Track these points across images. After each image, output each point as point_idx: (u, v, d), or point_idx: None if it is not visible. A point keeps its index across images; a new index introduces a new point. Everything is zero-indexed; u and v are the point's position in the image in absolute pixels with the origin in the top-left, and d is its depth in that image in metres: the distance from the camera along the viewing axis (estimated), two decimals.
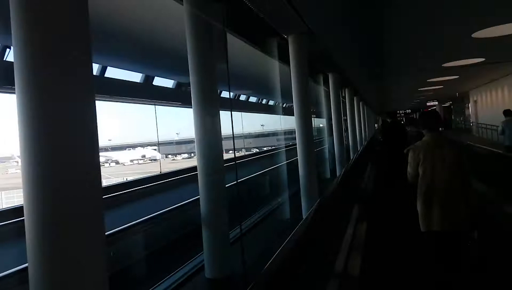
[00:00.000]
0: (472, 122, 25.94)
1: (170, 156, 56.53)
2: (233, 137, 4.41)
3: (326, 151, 12.45)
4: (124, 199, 10.26)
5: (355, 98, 15.60)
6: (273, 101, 18.63)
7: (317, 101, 12.08)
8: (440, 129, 3.85)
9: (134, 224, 6.10)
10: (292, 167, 7.64)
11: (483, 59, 11.29)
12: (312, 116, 7.41)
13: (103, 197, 1.74)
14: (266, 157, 19.40)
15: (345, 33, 6.92)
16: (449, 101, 33.59)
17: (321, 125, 15.93)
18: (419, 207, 3.55)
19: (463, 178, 3.42)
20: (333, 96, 10.25)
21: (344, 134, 11.29)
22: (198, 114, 4.08)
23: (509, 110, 9.79)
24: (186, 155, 52.97)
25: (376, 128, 40.17)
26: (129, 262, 5.40)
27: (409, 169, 3.65)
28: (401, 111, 40.21)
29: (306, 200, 5.71)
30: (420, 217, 3.52)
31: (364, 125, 21.45)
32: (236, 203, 4.62)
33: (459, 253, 3.43)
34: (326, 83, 10.70)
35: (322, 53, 7.32)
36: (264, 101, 19.44)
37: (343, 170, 7.71)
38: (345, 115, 13.50)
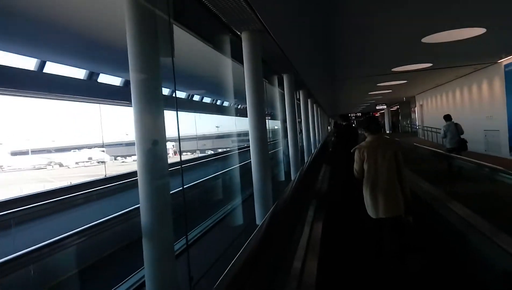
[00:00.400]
0: (418, 125, 27.05)
1: (119, 158, 54.57)
2: (179, 139, 3.99)
3: (281, 153, 12.25)
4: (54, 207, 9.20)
5: (309, 100, 15.61)
6: (227, 102, 17.86)
7: (271, 102, 11.90)
8: (381, 131, 4.61)
9: (66, 236, 5.31)
10: (246, 170, 7.32)
11: (431, 64, 11.63)
12: (267, 117, 7.28)
13: None
14: (220, 160, 18.59)
15: (299, 34, 6.83)
16: (397, 105, 34.90)
17: (276, 127, 15.85)
18: (366, 199, 4.26)
19: (398, 171, 4.17)
20: (288, 98, 10.08)
21: (298, 136, 11.27)
22: (139, 113, 3.55)
23: (448, 115, 10.55)
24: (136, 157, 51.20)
25: (329, 130, 40.95)
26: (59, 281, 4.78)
27: (355, 166, 4.29)
28: (352, 114, 41.27)
29: (260, 205, 5.57)
30: (368, 207, 4.26)
31: (318, 127, 21.64)
32: (183, 211, 4.11)
33: (401, 232, 4.30)
34: (281, 84, 10.62)
35: (276, 53, 7.25)
36: (218, 102, 18.85)
37: (297, 173, 7.61)
38: (300, 117, 13.42)
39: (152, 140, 3.60)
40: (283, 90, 10.33)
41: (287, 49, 7.41)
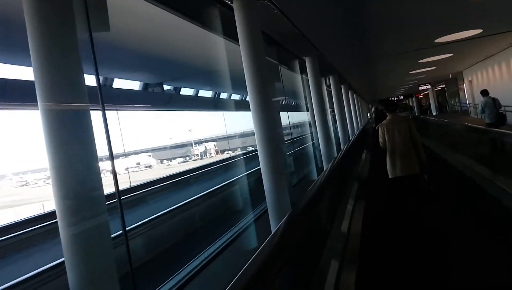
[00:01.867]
0: (468, 103, 24.50)
1: (165, 161, 55.44)
2: (111, 155, 2.73)
3: (311, 149, 11.31)
4: None
5: (342, 86, 14.65)
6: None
7: (295, 91, 10.78)
8: (397, 111, 5.93)
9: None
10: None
11: (481, 31, 9.84)
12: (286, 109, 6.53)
13: None
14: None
15: (319, 8, 5.68)
16: (442, 84, 32.07)
17: (303, 119, 14.54)
18: (388, 163, 5.45)
19: (413, 141, 5.31)
20: (313, 84, 8.62)
21: (332, 126, 10.62)
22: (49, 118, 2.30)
23: (485, 90, 10.72)
24: (181, 159, 51.89)
25: (369, 117, 38.80)
26: None
27: (380, 139, 5.53)
28: (393, 98, 38.77)
29: (274, 219, 4.24)
30: (389, 170, 5.43)
31: (356, 115, 20.46)
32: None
33: (416, 188, 5.35)
34: (326, 83, 9.86)
35: (290, 31, 6.15)
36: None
37: (329, 165, 6.60)
38: (332, 106, 12.49)
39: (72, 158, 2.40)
40: (329, 87, 9.89)
41: (302, 25, 6.20)
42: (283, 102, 8.93)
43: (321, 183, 3.99)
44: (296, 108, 12.22)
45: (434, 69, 18.09)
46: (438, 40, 10.25)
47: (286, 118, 6.58)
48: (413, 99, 44.62)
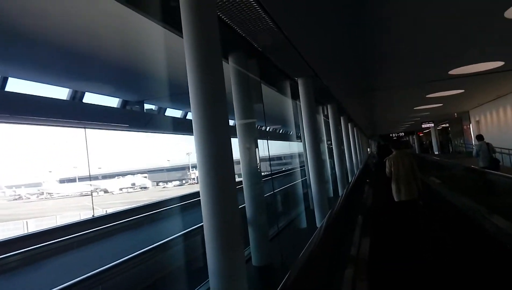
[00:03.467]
0: (474, 144, 23.01)
1: (161, 183, 53.70)
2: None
3: (327, 173, 12.00)
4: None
5: (349, 124, 16.01)
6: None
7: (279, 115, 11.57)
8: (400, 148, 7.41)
9: None
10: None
11: (502, 64, 8.46)
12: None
13: None
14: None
15: (342, 72, 7.57)
16: (446, 123, 30.67)
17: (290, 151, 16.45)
18: (393, 189, 6.90)
19: (413, 173, 6.76)
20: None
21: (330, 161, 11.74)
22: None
23: (480, 135, 11.65)
24: (177, 183, 50.22)
25: (369, 152, 37.36)
26: None
27: (387, 169, 7.02)
28: (393, 134, 37.32)
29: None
30: (394, 194, 6.90)
31: (360, 149, 19.78)
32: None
33: (415, 210, 6.81)
34: (325, 112, 11.28)
35: (323, 89, 8.19)
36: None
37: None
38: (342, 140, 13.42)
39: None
40: (327, 117, 11.02)
41: (332, 86, 8.39)
42: (266, 128, 7.96)
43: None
44: (284, 136, 11.92)
45: (440, 106, 16.71)
46: (452, 72, 8.88)
47: (268, 147, 5.40)
48: (414, 137, 43.33)
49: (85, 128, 9.34)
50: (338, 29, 5.15)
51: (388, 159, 6.91)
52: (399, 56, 7.17)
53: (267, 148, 5.42)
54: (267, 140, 5.65)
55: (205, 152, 2.53)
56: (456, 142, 29.64)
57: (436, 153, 33.45)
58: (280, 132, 18.81)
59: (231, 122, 11.10)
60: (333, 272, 4.02)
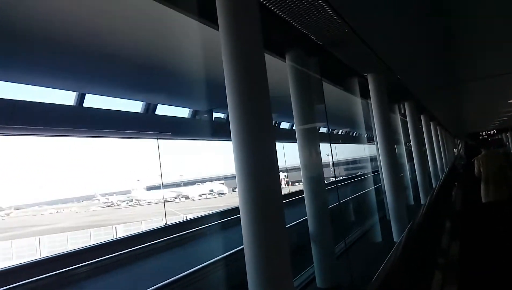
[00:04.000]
0: None
1: (236, 189, 54.67)
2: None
3: (407, 178, 11.53)
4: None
5: (431, 123, 14.82)
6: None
7: (393, 129, 10.11)
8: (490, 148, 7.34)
9: None
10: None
11: None
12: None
13: None
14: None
15: (419, 65, 6.74)
16: None
17: (400, 151, 14.69)
18: (482, 189, 6.77)
19: (504, 172, 6.55)
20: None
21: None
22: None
23: None
24: None
25: (456, 153, 34.22)
26: None
27: (475, 169, 6.86)
28: (483, 132, 33.56)
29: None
30: (482, 194, 6.76)
31: (444, 150, 18.70)
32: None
33: (503, 211, 6.45)
34: (401, 110, 10.54)
35: (397, 85, 7.35)
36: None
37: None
38: (423, 141, 12.70)
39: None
40: (405, 116, 10.21)
41: (408, 81, 7.47)
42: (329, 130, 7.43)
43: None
44: (353, 139, 11.32)
45: None
46: None
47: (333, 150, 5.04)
48: (508, 134, 38.74)
49: (157, 138, 9.65)
50: (413, 15, 4.45)
51: (477, 159, 6.90)
52: (489, 42, 6.13)
53: (332, 152, 4.85)
54: (331, 143, 5.05)
55: (244, 160, 2.12)
56: None
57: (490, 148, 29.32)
58: (349, 134, 17.82)
59: (286, 125, 10.61)
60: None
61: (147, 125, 8.97)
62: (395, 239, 5.66)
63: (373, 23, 4.33)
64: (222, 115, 11.32)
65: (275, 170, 2.22)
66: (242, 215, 2.15)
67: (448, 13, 4.66)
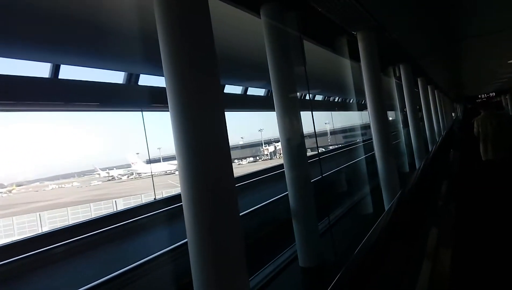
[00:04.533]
0: None
1: (236, 160, 54.85)
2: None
3: (402, 144, 11.33)
4: None
5: (429, 87, 14.03)
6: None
7: (389, 93, 10.71)
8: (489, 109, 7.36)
9: None
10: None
11: None
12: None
13: None
14: None
15: (415, 22, 6.30)
16: None
17: (394, 117, 14.71)
18: (481, 148, 7.11)
19: (503, 132, 6.87)
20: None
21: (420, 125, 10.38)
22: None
23: None
24: (251, 159, 50.87)
25: (454, 117, 33.69)
26: None
27: (474, 129, 7.18)
28: (482, 96, 32.86)
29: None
30: (482, 153, 7.10)
31: (442, 114, 18.29)
32: None
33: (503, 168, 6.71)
34: (396, 74, 9.77)
35: (392, 45, 7.00)
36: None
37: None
38: (419, 106, 12.32)
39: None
40: (400, 80, 9.52)
41: (404, 40, 7.09)
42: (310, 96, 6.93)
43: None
44: (390, 107, 11.32)
45: None
46: None
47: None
48: (507, 97, 38.08)
49: (142, 110, 9.12)
50: None
51: (476, 120, 7.23)
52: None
53: (314, 121, 4.33)
54: (312, 111, 4.48)
55: (184, 137, 1.66)
56: None
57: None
58: (336, 100, 17.11)
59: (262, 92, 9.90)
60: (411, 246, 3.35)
61: (130, 97, 8.46)
62: (385, 207, 5.30)
63: None
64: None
65: (225, 149, 1.76)
66: (184, 202, 1.69)
67: None
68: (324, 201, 4.14)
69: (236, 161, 51.70)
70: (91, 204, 24.41)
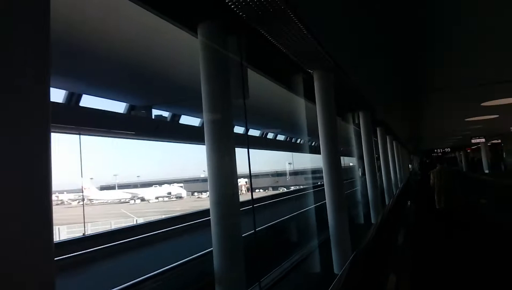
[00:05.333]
0: None
1: (196, 193, 53.06)
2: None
3: (358, 194, 10.85)
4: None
5: (387, 137, 13.85)
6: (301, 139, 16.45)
7: (346, 139, 10.87)
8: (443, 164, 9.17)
9: None
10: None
11: None
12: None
13: None
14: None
15: (378, 68, 5.94)
16: (498, 139, 27.30)
17: (351, 164, 15.39)
18: (436, 197, 8.40)
19: (453, 184, 8.35)
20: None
21: (377, 175, 10.03)
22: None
23: None
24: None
25: (411, 169, 34.43)
26: None
27: (431, 181, 8.48)
28: (438, 150, 34.00)
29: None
30: (436, 202, 8.41)
31: (399, 166, 17.96)
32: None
33: (452, 217, 8.22)
34: (356, 120, 9.48)
35: (352, 91, 6.66)
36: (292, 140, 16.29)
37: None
38: (377, 154, 11.91)
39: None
40: (359, 127, 9.15)
41: (364, 86, 6.71)
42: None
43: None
44: (347, 154, 11.87)
45: (496, 118, 14.21)
46: None
47: None
48: (461, 153, 39.69)
49: (79, 134, 8.17)
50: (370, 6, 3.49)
51: (432, 172, 8.48)
52: (454, 53, 5.38)
53: (250, 160, 3.61)
54: (248, 148, 3.75)
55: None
56: (510, 160, 26.23)
57: (486, 171, 29.94)
58: (288, 140, 16.60)
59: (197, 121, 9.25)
60: None
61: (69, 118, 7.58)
62: (335, 271, 4.64)
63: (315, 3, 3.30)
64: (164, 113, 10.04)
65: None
66: None
67: (413, 13, 3.76)
68: (257, 260, 3.41)
69: (196, 194, 50.01)
70: None
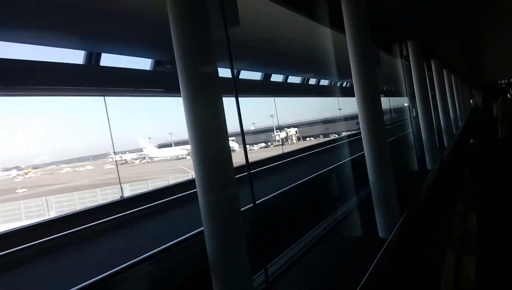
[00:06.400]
0: None
1: (247, 146, 53.51)
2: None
3: (410, 137, 9.68)
4: None
5: (444, 71, 12.16)
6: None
7: (394, 76, 9.45)
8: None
9: None
10: None
11: None
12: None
13: None
14: None
15: None
16: None
17: (404, 104, 13.21)
18: (499, 127, 8.08)
19: None
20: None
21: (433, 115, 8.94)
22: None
23: None
24: (263, 145, 49.41)
25: (472, 105, 31.39)
26: None
27: (494, 112, 8.20)
28: (503, 81, 30.14)
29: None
30: (499, 131, 8.04)
31: (458, 103, 16.37)
32: None
33: None
34: (403, 53, 8.04)
35: (391, 15, 5.29)
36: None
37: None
38: (432, 91, 10.66)
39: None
40: (408, 60, 7.88)
41: (409, 10, 5.27)
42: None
43: None
44: (397, 93, 10.54)
45: None
46: None
47: None
48: None
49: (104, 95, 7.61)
50: None
51: (495, 104, 8.26)
52: None
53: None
54: (237, 96, 2.82)
55: None
56: None
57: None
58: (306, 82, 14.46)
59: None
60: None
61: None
62: (380, 235, 3.80)
63: None
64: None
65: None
66: None
67: None
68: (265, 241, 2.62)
69: (247, 146, 50.27)
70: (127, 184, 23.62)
